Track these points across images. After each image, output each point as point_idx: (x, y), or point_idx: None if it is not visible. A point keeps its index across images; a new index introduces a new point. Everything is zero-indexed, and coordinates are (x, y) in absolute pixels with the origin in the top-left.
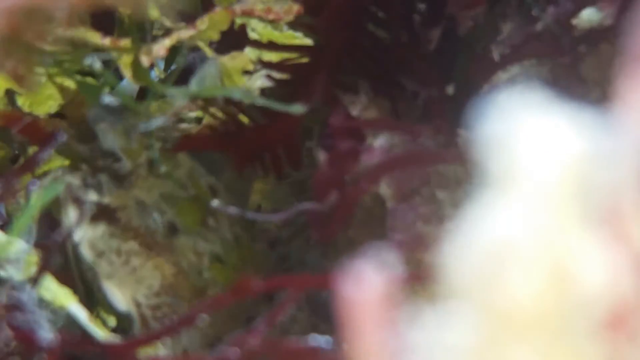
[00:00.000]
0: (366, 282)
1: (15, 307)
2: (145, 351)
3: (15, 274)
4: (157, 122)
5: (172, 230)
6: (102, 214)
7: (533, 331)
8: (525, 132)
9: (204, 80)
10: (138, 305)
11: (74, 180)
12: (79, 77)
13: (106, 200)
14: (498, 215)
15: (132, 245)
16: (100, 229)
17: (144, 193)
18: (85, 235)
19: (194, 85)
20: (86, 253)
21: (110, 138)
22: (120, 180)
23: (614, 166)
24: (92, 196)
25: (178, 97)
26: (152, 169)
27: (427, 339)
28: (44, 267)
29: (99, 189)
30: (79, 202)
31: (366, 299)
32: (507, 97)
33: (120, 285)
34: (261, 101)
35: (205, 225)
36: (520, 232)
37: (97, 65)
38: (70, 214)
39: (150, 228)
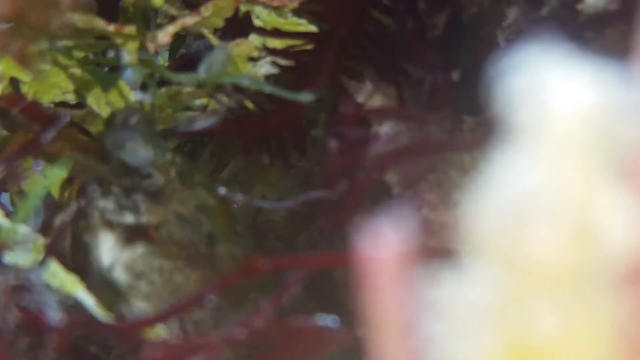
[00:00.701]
0: (384, 240)
1: (23, 288)
2: (152, 332)
3: (21, 258)
4: None
5: (211, 239)
6: (138, 234)
7: (554, 286)
8: (547, 86)
9: (212, 67)
10: (181, 321)
11: (107, 204)
12: (91, 66)
13: (144, 219)
14: (520, 169)
15: (175, 261)
16: (139, 249)
17: (181, 206)
18: (120, 258)
19: (202, 71)
20: (121, 276)
21: (141, 153)
22: (155, 197)
23: (635, 120)
24: (128, 218)
25: (186, 83)
26: (183, 180)
27: (447, 296)
28: (50, 251)
29: (135, 209)
30: (112, 225)
31: (384, 257)
32: (529, 51)
33: (160, 304)
34: (270, 88)
35: (235, 231)
36: (542, 186)
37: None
38: (104, 239)
39: (192, 241)
